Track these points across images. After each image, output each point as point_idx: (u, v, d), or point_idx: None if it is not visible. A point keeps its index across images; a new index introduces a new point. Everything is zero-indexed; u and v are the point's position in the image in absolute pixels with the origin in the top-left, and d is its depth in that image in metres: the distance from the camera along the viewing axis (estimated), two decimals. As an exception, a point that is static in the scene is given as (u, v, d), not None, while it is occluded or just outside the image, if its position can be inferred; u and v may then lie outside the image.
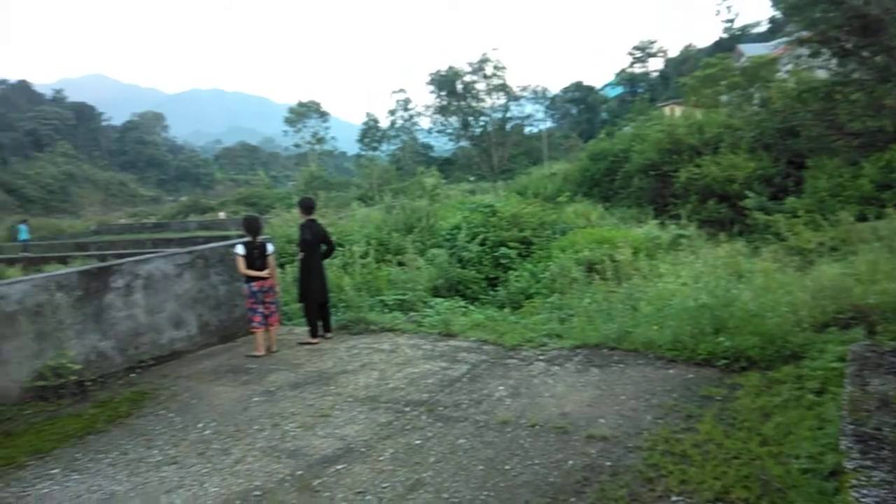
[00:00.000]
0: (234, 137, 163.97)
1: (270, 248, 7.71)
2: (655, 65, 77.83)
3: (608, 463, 4.11)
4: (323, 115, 79.74)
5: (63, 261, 22.41)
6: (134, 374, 6.98)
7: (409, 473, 4.24)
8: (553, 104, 77.93)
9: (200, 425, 5.39)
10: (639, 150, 19.91)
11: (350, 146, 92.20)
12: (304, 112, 78.33)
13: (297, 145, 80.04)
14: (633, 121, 31.75)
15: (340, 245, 12.33)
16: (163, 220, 46.13)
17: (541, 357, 6.55)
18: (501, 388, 5.72)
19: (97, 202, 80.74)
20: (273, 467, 4.50)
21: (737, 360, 5.62)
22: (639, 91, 67.97)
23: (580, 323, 7.33)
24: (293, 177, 72.43)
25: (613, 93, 79.39)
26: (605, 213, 17.28)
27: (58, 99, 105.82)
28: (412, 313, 9.01)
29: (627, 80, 77.21)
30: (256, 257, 7.49)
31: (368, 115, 77.27)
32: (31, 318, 6.21)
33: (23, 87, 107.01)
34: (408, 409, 5.41)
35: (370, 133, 76.33)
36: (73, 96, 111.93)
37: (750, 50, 33.69)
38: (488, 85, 67.07)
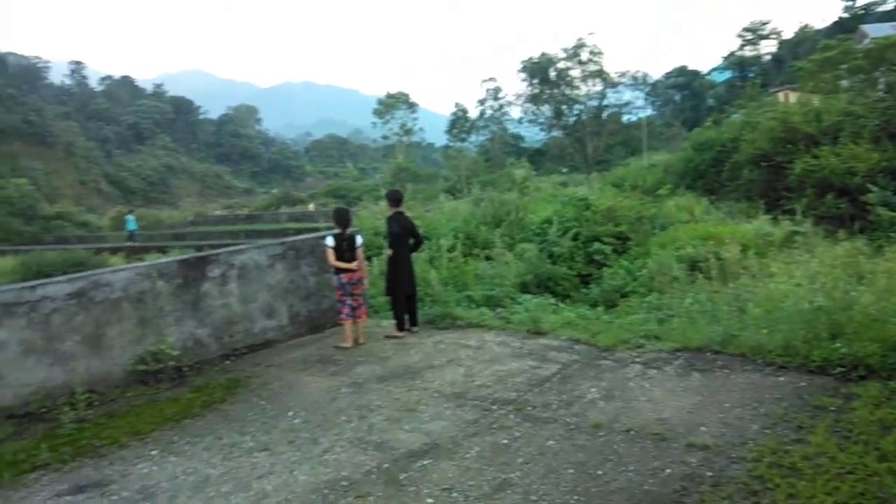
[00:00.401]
0: (324, 129, 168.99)
1: (359, 240, 7.73)
2: (768, 47, 72.81)
3: (709, 473, 3.90)
4: (411, 106, 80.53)
5: (162, 250, 23.79)
6: (228, 362, 7.18)
7: (495, 473, 4.16)
8: (654, 90, 75.01)
9: (290, 414, 5.48)
10: (749, 140, 18.88)
11: (438, 137, 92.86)
12: (393, 103, 79.37)
13: (384, 137, 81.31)
14: (742, 107, 30.06)
15: (427, 238, 12.31)
16: (255, 212, 48.01)
17: (637, 359, 6.28)
18: (594, 389, 5.52)
19: (194, 193, 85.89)
20: (360, 459, 4.52)
21: (854, 369, 5.23)
22: (749, 76, 63.86)
23: (681, 324, 6.99)
24: (381, 169, 73.84)
25: (721, 78, 75.05)
26: (710, 208, 16.51)
27: (158, 93, 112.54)
28: (500, 309, 8.84)
29: (736, 63, 72.45)
30: (345, 249, 7.52)
31: (457, 105, 77.30)
32: (134, 305, 6.49)
33: (126, 82, 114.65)
34: (495, 407, 5.30)
35: (458, 123, 76.38)
36: (173, 91, 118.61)
37: (874, 31, 31.27)
38: (584, 71, 65.33)
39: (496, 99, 74.29)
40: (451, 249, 11.18)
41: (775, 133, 17.85)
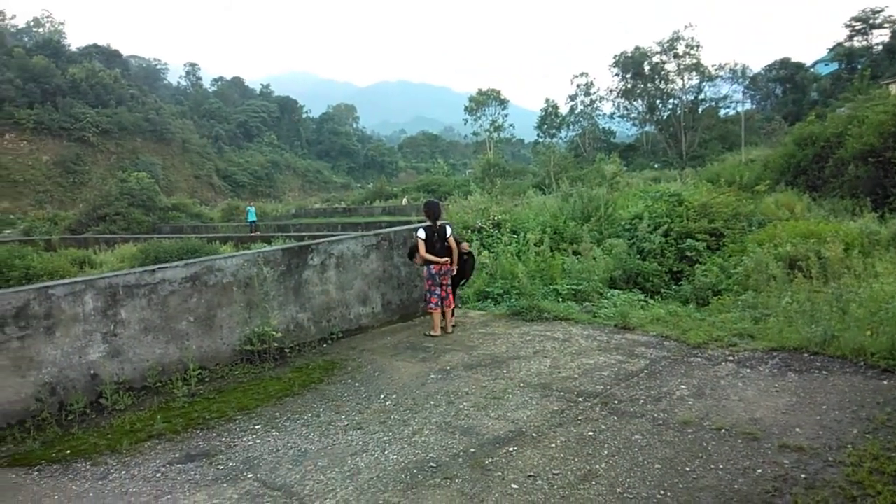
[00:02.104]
0: (418, 127, 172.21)
1: (449, 230, 7.91)
2: (880, 37, 67.31)
3: (803, 475, 3.77)
4: (502, 103, 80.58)
5: (267, 240, 25.05)
6: (325, 345, 7.56)
7: (580, 463, 4.17)
8: (754, 84, 71.50)
9: (382, 396, 5.71)
10: (856, 134, 17.62)
11: (528, 133, 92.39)
12: (484, 100, 79.73)
13: (475, 133, 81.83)
14: (849, 101, 28.06)
15: (514, 233, 12.40)
16: (352, 206, 49.61)
17: (730, 358, 6.13)
18: (683, 386, 5.44)
19: (296, 188, 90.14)
20: (447, 442, 4.65)
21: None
22: (858, 67, 59.52)
23: (777, 324, 6.73)
24: (471, 164, 74.27)
25: (826, 70, 70.45)
26: (811, 205, 15.55)
27: (265, 94, 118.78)
28: (587, 304, 8.80)
29: (844, 55, 67.58)
30: (436, 241, 7.73)
31: (547, 100, 76.72)
32: (243, 290, 6.94)
33: (236, 83, 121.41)
34: (580, 399, 5.32)
35: (549, 119, 75.73)
36: (279, 91, 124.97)
37: None
38: (679, 65, 63.44)
39: (587, 94, 73.14)
40: (539, 243, 11.19)
41: (885, 127, 16.60)
